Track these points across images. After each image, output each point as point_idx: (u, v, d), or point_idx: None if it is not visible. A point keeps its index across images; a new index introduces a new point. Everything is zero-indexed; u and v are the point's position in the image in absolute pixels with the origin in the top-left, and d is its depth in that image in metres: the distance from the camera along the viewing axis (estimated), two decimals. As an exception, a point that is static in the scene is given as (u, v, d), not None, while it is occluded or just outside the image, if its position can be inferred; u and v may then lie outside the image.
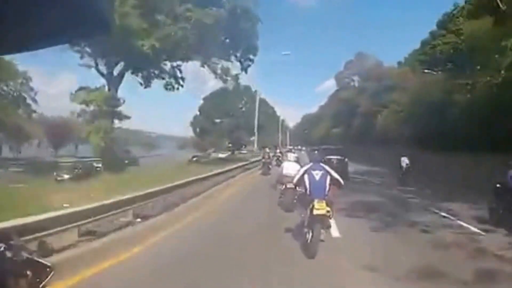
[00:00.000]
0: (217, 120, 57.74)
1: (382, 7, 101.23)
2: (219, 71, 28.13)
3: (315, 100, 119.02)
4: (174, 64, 26.68)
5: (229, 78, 28.80)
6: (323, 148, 20.54)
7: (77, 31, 0.79)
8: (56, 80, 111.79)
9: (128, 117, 25.26)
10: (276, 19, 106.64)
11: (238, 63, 28.32)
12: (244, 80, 33.74)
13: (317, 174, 6.74)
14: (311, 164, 7.07)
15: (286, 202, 10.38)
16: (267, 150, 25.86)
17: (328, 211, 6.43)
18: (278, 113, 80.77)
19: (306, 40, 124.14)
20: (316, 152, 8.07)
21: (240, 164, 26.10)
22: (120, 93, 24.75)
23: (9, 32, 0.73)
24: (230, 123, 56.29)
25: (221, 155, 48.68)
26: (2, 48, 0.81)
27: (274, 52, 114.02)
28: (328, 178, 6.75)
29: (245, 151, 60.49)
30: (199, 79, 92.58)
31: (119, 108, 24.40)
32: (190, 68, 52.04)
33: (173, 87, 26.99)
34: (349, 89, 58.57)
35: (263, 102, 68.60)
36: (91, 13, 0.74)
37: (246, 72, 28.96)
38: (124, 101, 24.61)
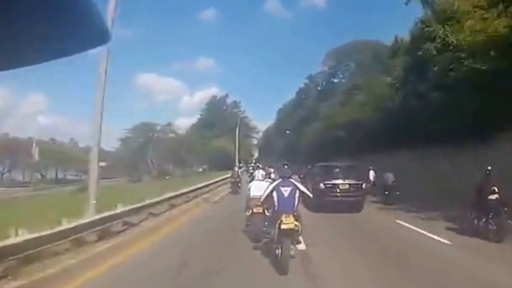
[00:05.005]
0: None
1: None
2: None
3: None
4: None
5: None
6: (321, 166, 16.07)
7: (74, 42, 0.78)
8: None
9: None
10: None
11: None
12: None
13: (286, 191, 6.64)
14: (280, 180, 6.92)
15: (255, 231, 8.45)
16: (236, 169, 24.86)
17: (296, 225, 6.39)
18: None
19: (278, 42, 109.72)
20: (285, 167, 7.17)
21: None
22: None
23: (2, 48, 0.71)
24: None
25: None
26: None
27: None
28: (297, 193, 6.67)
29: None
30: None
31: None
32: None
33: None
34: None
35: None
36: (87, 23, 0.73)
37: None
38: None
